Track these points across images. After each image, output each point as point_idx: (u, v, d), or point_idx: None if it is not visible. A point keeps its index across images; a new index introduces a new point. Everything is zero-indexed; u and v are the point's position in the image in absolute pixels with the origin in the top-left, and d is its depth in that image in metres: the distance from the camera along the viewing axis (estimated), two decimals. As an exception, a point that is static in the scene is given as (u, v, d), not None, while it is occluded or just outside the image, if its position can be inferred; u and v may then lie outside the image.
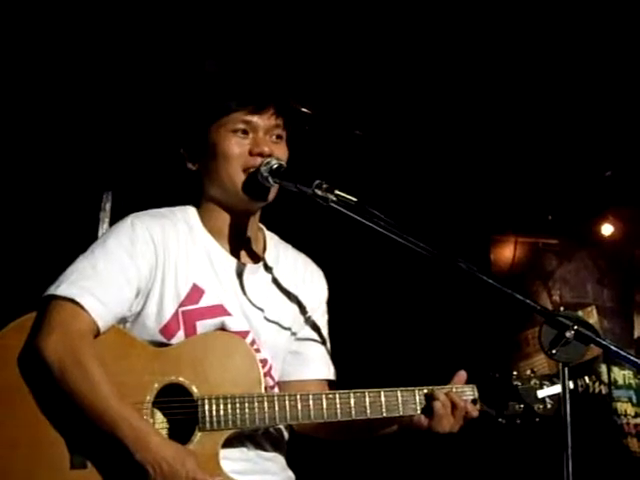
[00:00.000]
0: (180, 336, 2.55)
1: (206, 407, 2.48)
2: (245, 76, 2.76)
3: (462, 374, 2.66)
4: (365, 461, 4.55)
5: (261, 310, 2.67)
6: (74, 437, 2.42)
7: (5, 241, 4.29)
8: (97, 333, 2.46)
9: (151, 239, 2.55)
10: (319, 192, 2.42)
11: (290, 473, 2.71)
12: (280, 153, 2.62)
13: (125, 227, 2.56)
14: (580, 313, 6.30)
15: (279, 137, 2.65)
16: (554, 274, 6.52)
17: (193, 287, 2.58)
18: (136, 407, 2.43)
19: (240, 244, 2.69)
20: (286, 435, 2.71)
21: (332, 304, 2.87)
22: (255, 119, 2.61)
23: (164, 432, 2.48)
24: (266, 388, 2.60)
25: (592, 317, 6.32)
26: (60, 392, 2.40)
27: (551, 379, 2.71)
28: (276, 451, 2.66)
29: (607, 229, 6.49)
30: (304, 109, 4.85)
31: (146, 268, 2.54)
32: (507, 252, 6.44)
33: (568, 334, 2.31)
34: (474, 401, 2.64)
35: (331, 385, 2.78)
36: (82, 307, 2.42)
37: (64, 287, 2.44)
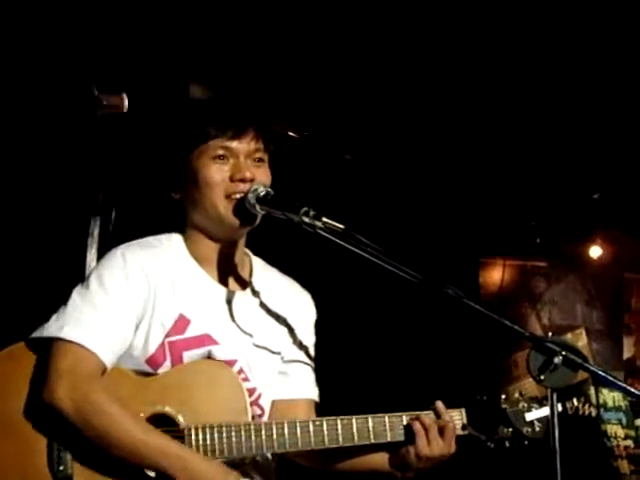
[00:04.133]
0: (167, 366, 2.54)
1: (192, 437, 2.46)
2: (223, 102, 2.75)
3: (439, 404, 2.62)
4: None
5: (250, 336, 2.65)
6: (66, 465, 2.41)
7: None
8: (103, 373, 2.46)
9: (143, 272, 2.54)
10: (306, 219, 2.42)
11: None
12: (262, 177, 2.61)
13: (117, 260, 2.54)
14: (569, 335, 6.31)
15: (260, 160, 2.63)
16: (543, 296, 6.53)
17: (179, 317, 2.57)
18: None
19: (226, 270, 2.68)
20: (274, 464, 2.69)
21: (319, 328, 2.86)
22: (234, 144, 2.59)
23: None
24: (253, 417, 2.58)
25: (581, 339, 6.34)
26: (61, 428, 2.40)
27: (540, 401, 2.70)
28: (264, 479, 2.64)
29: (595, 251, 6.52)
30: (291, 133, 4.85)
31: (141, 303, 2.53)
32: (495, 275, 6.45)
33: (556, 360, 2.31)
34: (463, 426, 2.64)
35: (315, 406, 2.77)
36: (88, 350, 2.42)
37: (68, 330, 2.43)
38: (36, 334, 2.48)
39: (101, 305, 2.47)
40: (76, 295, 2.50)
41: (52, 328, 2.45)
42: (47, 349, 2.45)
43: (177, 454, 2.39)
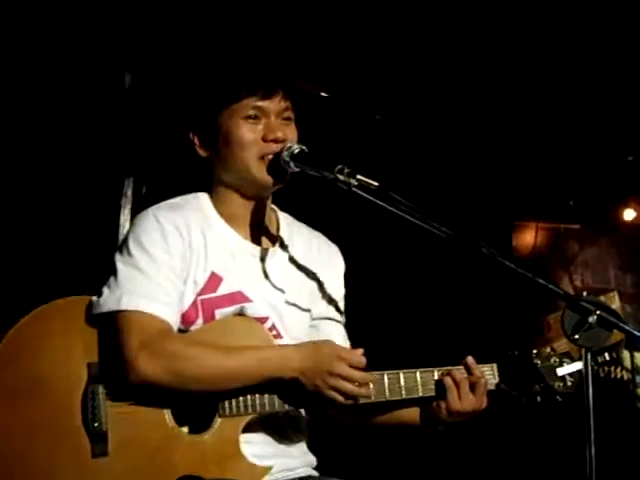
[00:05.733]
0: (199, 324, 2.56)
1: (224, 393, 2.48)
2: (253, 61, 2.76)
3: (469, 359, 2.62)
4: (386, 443, 4.55)
5: (282, 292, 2.67)
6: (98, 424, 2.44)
7: (26, 228, 4.30)
8: (171, 332, 2.49)
9: (177, 232, 2.56)
10: (341, 177, 2.42)
11: (311, 457, 2.72)
12: (292, 135, 2.63)
13: (151, 223, 2.56)
14: (602, 298, 6.25)
15: (289, 118, 2.65)
16: (576, 259, 6.50)
17: (211, 275, 2.59)
18: None
19: (256, 228, 2.70)
20: (307, 419, 2.71)
21: (350, 282, 2.86)
22: (265, 104, 2.61)
23: (183, 419, 2.50)
24: None
25: (614, 302, 6.25)
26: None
27: (571, 356, 2.68)
28: (296, 435, 2.66)
29: (629, 214, 6.46)
30: (323, 93, 4.84)
31: (180, 260, 2.55)
32: (528, 238, 6.42)
33: (591, 319, 2.30)
34: (496, 383, 2.63)
35: None
36: (150, 315, 2.45)
37: (126, 300, 2.45)
38: (95, 311, 2.49)
39: (148, 268, 2.49)
40: (121, 265, 2.52)
41: (109, 302, 2.47)
42: (106, 322, 2.48)
43: (270, 357, 2.46)
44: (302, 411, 2.67)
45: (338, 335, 2.78)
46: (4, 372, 2.46)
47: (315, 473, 2.70)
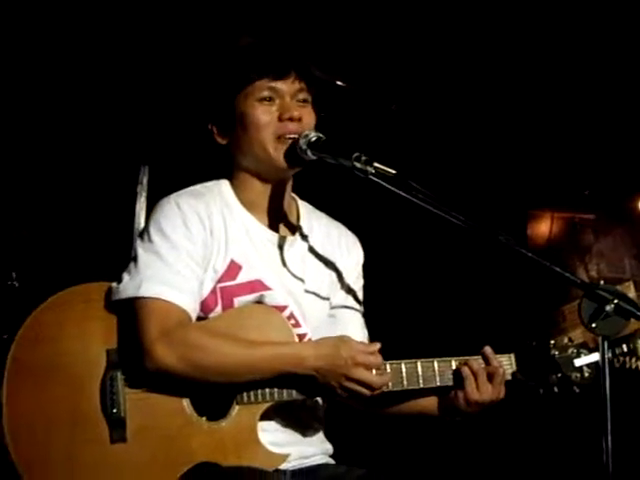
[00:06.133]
0: (218, 311, 2.57)
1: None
2: (264, 44, 2.76)
3: (487, 349, 2.62)
4: (402, 433, 4.56)
5: (301, 281, 2.68)
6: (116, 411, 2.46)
7: (43, 216, 4.32)
8: (190, 321, 2.50)
9: (199, 219, 2.56)
10: (358, 165, 2.41)
11: (328, 445, 2.72)
12: (308, 117, 2.63)
13: (172, 209, 2.56)
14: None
15: (305, 101, 2.66)
16: (591, 249, 6.47)
17: (231, 263, 2.59)
18: None
19: (276, 216, 2.70)
20: (324, 407, 2.72)
21: (368, 272, 2.86)
22: (279, 85, 2.62)
23: (201, 406, 2.51)
24: None
25: (630, 292, 6.23)
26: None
27: (588, 347, 2.68)
28: (314, 423, 2.67)
29: (645, 204, 6.43)
30: (339, 82, 4.83)
31: (202, 247, 2.56)
32: (544, 227, 6.39)
33: (608, 307, 2.29)
34: (512, 373, 2.63)
35: None
36: (169, 302, 2.46)
37: (145, 287, 2.46)
38: (115, 297, 2.50)
39: (168, 255, 2.50)
40: (141, 251, 2.52)
41: (129, 289, 2.48)
42: (125, 308, 2.49)
43: (285, 353, 2.46)
44: (319, 399, 2.68)
45: (356, 324, 2.79)
46: (24, 358, 2.48)
47: (331, 461, 2.71)
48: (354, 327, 2.76)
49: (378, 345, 2.51)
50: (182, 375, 2.43)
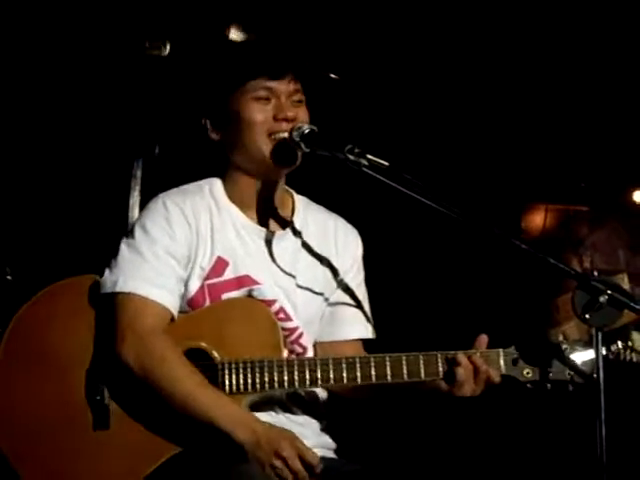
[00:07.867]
0: None
1: (226, 371, 2.51)
2: (261, 43, 2.77)
3: (483, 337, 2.60)
4: (402, 428, 4.56)
5: (292, 277, 2.68)
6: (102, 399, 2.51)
7: (36, 210, 4.31)
8: (171, 319, 2.53)
9: (184, 217, 2.58)
10: (351, 157, 2.42)
11: (326, 438, 2.71)
12: (303, 116, 2.64)
13: (158, 208, 2.59)
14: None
15: (300, 101, 2.66)
16: (585, 241, 6.48)
17: (217, 260, 2.61)
18: None
19: (266, 211, 2.70)
20: (323, 400, 2.71)
21: (367, 265, 2.86)
22: (275, 85, 2.62)
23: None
24: (295, 354, 2.63)
25: (624, 283, 6.23)
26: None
27: (583, 344, 2.67)
28: (308, 416, 2.67)
29: (639, 196, 6.43)
30: (332, 75, 4.83)
31: (185, 245, 2.58)
32: (538, 219, 6.40)
33: (602, 299, 2.30)
34: (514, 361, 2.60)
35: (370, 343, 2.78)
36: (145, 298, 2.48)
37: (121, 282, 2.49)
38: (99, 291, 2.54)
39: (147, 252, 2.52)
40: (124, 247, 2.56)
41: (107, 283, 2.52)
42: (106, 302, 2.52)
43: (228, 409, 2.43)
44: (318, 391, 2.68)
45: (355, 321, 2.79)
46: (16, 350, 2.54)
47: (331, 455, 2.69)
48: (352, 323, 2.77)
49: (317, 460, 2.41)
50: (135, 375, 2.46)
